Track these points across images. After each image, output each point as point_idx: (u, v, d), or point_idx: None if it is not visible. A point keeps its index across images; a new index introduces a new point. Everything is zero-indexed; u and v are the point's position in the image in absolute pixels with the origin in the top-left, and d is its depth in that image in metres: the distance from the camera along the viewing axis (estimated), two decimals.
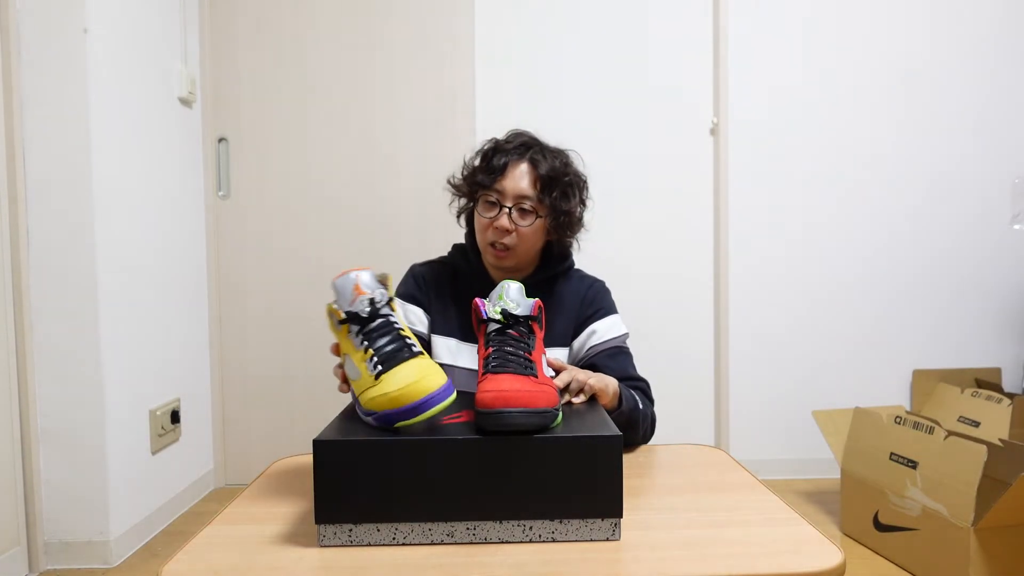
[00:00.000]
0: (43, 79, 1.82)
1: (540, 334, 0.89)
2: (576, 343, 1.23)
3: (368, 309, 0.82)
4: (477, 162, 1.21)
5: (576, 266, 1.32)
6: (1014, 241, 2.55)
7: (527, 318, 0.86)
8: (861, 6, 2.49)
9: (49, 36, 1.82)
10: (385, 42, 2.47)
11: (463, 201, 1.25)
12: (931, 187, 2.53)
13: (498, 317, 0.86)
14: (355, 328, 0.82)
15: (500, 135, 1.25)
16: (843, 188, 2.52)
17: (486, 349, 0.85)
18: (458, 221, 1.30)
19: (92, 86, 1.85)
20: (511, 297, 0.88)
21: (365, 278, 0.84)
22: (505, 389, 0.76)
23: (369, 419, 0.80)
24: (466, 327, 1.22)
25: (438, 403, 0.77)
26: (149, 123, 2.14)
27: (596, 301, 1.25)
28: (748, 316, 2.53)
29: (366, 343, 0.81)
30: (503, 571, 0.69)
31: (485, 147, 1.22)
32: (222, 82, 2.48)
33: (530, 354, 0.84)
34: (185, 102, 2.36)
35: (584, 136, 2.49)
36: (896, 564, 1.83)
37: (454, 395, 0.80)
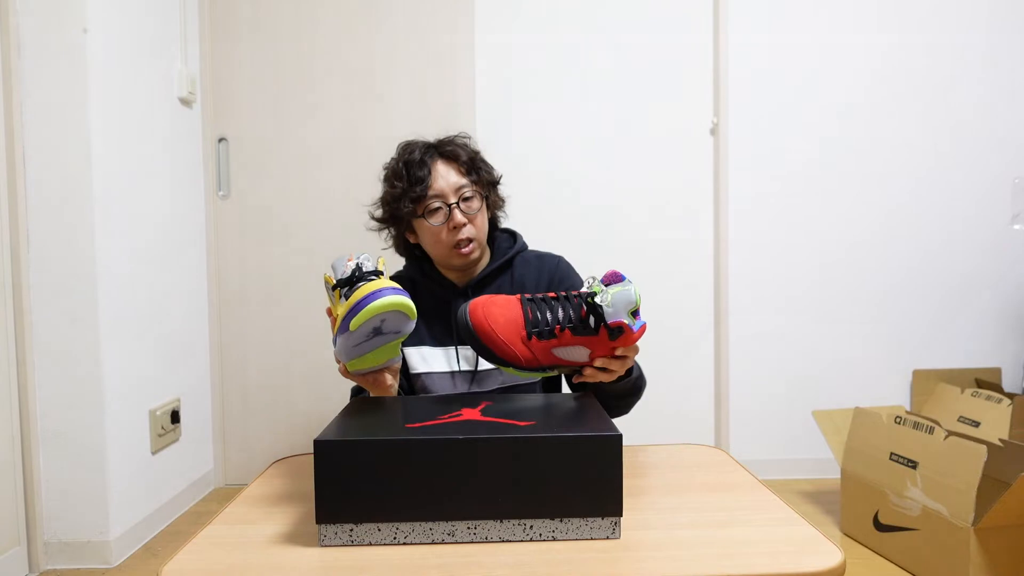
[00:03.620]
0: (43, 79, 1.82)
1: (599, 342, 0.91)
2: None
3: (352, 269, 0.92)
4: (397, 184, 1.20)
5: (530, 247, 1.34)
6: (1014, 241, 2.55)
7: (600, 317, 0.88)
8: (861, 6, 2.49)
9: (49, 36, 1.82)
10: (385, 42, 2.47)
11: (394, 231, 1.27)
12: (931, 187, 2.53)
13: (590, 292, 0.89)
14: (344, 290, 0.92)
15: (387, 160, 1.27)
16: (843, 188, 2.52)
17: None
18: (397, 251, 1.31)
19: (92, 86, 1.85)
20: (609, 298, 0.88)
21: (359, 256, 0.95)
22: (495, 318, 0.88)
23: (339, 341, 0.90)
24: (434, 333, 1.23)
25: (381, 296, 0.85)
26: (149, 123, 2.14)
27: (567, 278, 1.28)
28: (748, 316, 2.53)
29: (347, 295, 0.91)
30: (503, 570, 0.69)
31: (392, 171, 1.23)
32: (222, 82, 2.48)
33: (559, 328, 0.88)
34: (185, 102, 2.36)
35: (584, 136, 2.49)
36: (896, 564, 1.83)
37: (405, 299, 0.87)
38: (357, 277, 0.91)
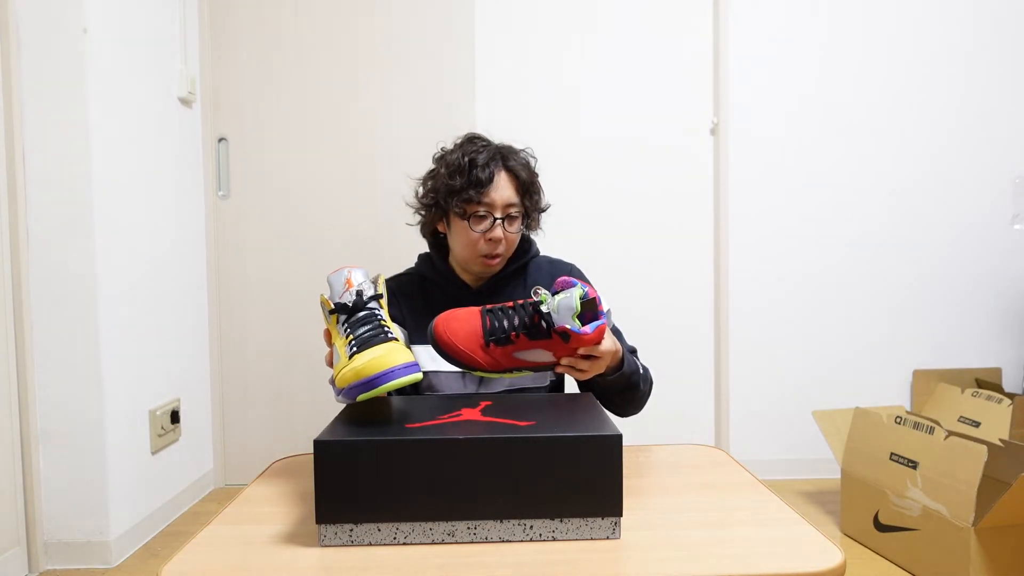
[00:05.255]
0: (43, 79, 1.82)
1: (556, 344, 0.95)
2: None
3: (354, 299, 0.90)
4: (456, 178, 1.18)
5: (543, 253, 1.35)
6: (1014, 241, 2.55)
7: (550, 323, 0.93)
8: (862, 6, 2.49)
9: (49, 36, 1.82)
10: (385, 42, 2.47)
11: (428, 215, 1.24)
12: (931, 187, 2.53)
13: (538, 300, 0.95)
14: (342, 318, 0.90)
15: (449, 144, 1.25)
16: (843, 188, 2.52)
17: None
18: (422, 232, 1.29)
19: (92, 86, 1.85)
20: (555, 304, 0.93)
21: (357, 274, 0.92)
22: (455, 331, 0.94)
23: (340, 397, 0.87)
24: None
25: (396, 378, 0.81)
26: (149, 123, 2.14)
27: None
28: (748, 316, 2.53)
29: (349, 330, 0.88)
30: (504, 570, 0.69)
31: (455, 164, 1.20)
32: (222, 82, 2.48)
33: (515, 334, 0.95)
34: (185, 102, 2.36)
35: (583, 136, 2.49)
36: (896, 564, 1.83)
37: (417, 375, 0.84)
38: (357, 307, 0.89)
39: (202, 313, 2.47)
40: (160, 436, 2.15)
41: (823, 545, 0.73)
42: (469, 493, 0.74)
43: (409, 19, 2.46)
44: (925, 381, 2.52)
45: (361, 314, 0.89)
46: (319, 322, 2.48)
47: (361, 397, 0.83)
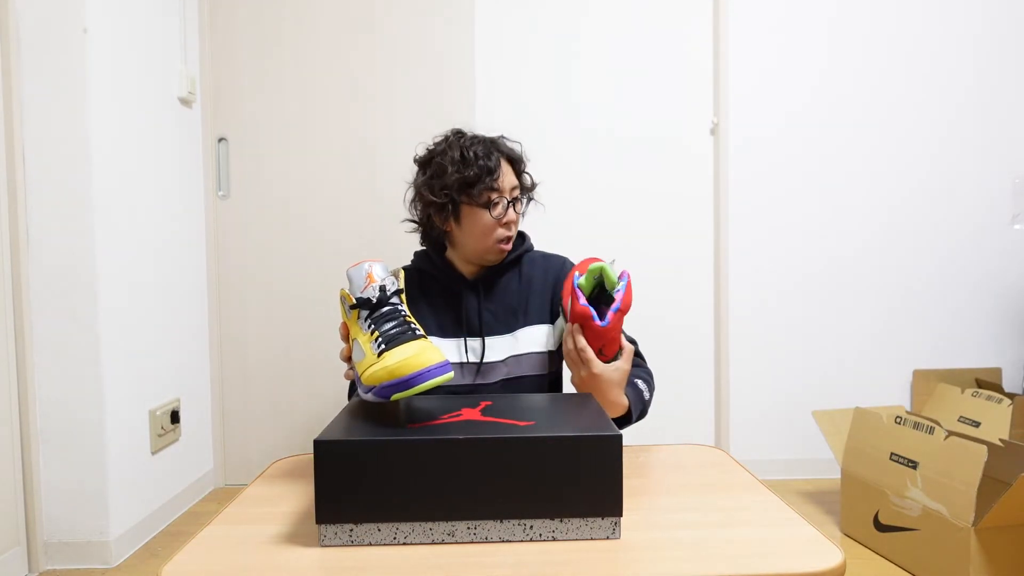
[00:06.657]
0: (43, 79, 1.82)
1: (597, 328, 1.04)
2: (561, 322, 1.26)
3: (378, 295, 0.88)
4: (467, 170, 1.18)
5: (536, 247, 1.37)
6: (1014, 241, 2.55)
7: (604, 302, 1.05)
8: (861, 6, 2.49)
9: (49, 36, 1.82)
10: (385, 42, 2.47)
11: (439, 217, 1.23)
12: (932, 187, 2.53)
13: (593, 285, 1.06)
14: (364, 313, 0.89)
15: (431, 143, 1.28)
16: (843, 188, 2.52)
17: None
18: (430, 232, 1.28)
19: (92, 86, 1.85)
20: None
21: (378, 269, 0.91)
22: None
23: (369, 395, 0.85)
24: (442, 324, 1.24)
25: (432, 378, 0.81)
26: (149, 123, 2.14)
27: None
28: (748, 316, 2.53)
29: (373, 326, 0.87)
30: (504, 570, 0.69)
31: (459, 155, 1.20)
32: (222, 82, 2.48)
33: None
34: (185, 102, 2.36)
35: (583, 136, 2.49)
36: (896, 564, 1.83)
37: (450, 374, 0.83)
38: (381, 302, 0.88)
39: (202, 313, 2.47)
40: (160, 436, 2.15)
41: (823, 545, 0.73)
42: (469, 493, 0.74)
43: (409, 19, 2.46)
44: (925, 381, 2.52)
45: (385, 309, 0.88)
46: (320, 322, 2.48)
47: (395, 396, 0.82)
